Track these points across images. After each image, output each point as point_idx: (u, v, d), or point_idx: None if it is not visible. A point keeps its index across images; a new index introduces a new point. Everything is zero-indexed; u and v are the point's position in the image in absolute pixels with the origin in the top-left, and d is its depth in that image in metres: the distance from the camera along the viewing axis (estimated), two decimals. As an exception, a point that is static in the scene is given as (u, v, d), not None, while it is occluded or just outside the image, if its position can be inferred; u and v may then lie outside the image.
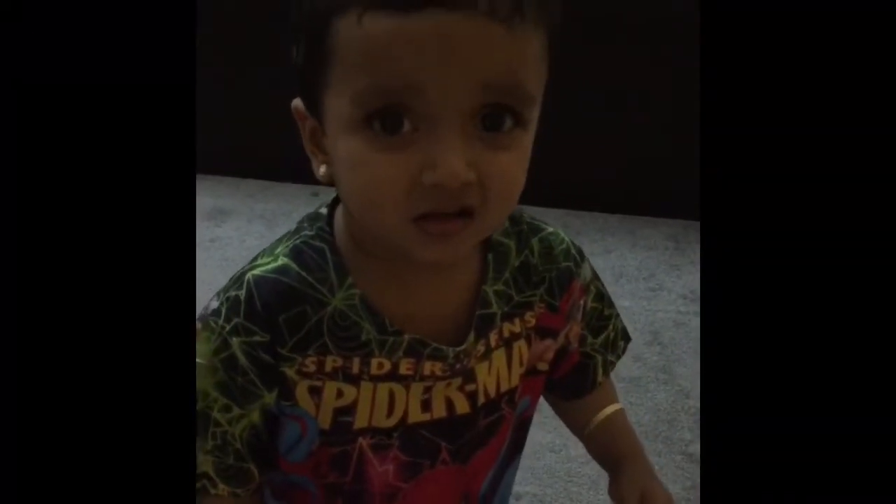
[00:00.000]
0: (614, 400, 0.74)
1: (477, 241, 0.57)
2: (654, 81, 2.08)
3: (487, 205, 0.52)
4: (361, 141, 0.50)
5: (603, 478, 0.72)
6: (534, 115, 0.53)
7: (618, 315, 0.73)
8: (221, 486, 0.59)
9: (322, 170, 0.56)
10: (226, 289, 0.59)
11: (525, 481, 1.41)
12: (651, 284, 1.98)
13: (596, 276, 0.71)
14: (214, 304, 0.59)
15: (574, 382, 0.71)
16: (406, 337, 0.59)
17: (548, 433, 1.42)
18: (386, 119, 0.49)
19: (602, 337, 0.71)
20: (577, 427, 0.74)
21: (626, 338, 0.74)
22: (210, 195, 2.25)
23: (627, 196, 2.20)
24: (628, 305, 1.86)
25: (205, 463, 0.59)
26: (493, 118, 0.50)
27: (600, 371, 0.72)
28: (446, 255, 0.54)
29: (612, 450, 0.72)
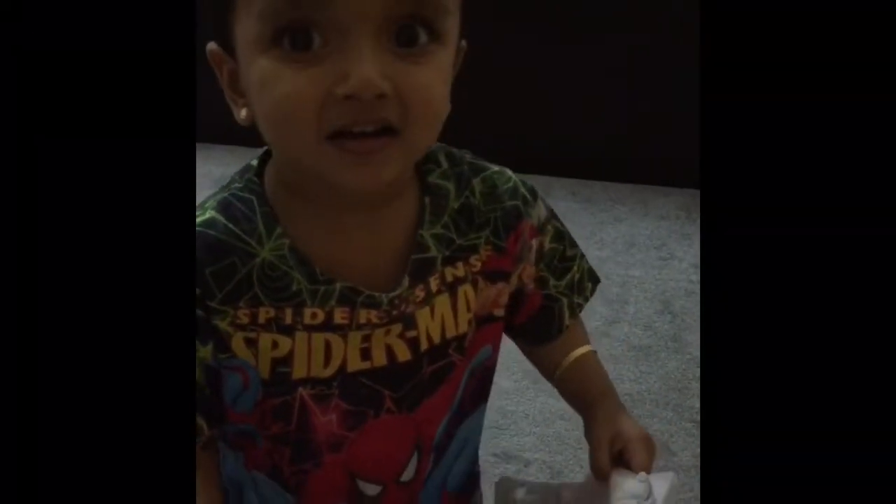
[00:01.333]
0: (585, 342, 0.71)
1: (404, 165, 0.55)
2: (669, 47, 2.05)
3: (408, 121, 0.51)
4: (271, 59, 0.49)
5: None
6: (450, 28, 0.52)
7: (583, 256, 0.70)
8: None
9: (243, 113, 0.55)
10: None
11: (535, 448, 1.42)
12: (662, 254, 1.96)
13: (553, 216, 0.69)
14: None
15: (539, 327, 0.69)
16: (338, 285, 0.58)
17: (558, 400, 1.40)
18: (295, 35, 0.49)
19: (567, 279, 0.69)
20: (548, 372, 0.72)
21: (594, 279, 0.71)
22: (217, 164, 2.27)
23: (639, 165, 2.18)
24: (639, 274, 1.86)
25: None
26: (406, 31, 0.50)
27: (566, 314, 0.69)
28: (370, 178, 0.53)
29: (583, 392, 0.70)
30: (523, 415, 1.44)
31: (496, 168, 0.65)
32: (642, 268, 1.90)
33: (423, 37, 0.50)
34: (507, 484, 0.68)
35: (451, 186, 0.62)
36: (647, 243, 2.01)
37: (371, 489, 0.64)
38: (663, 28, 2.04)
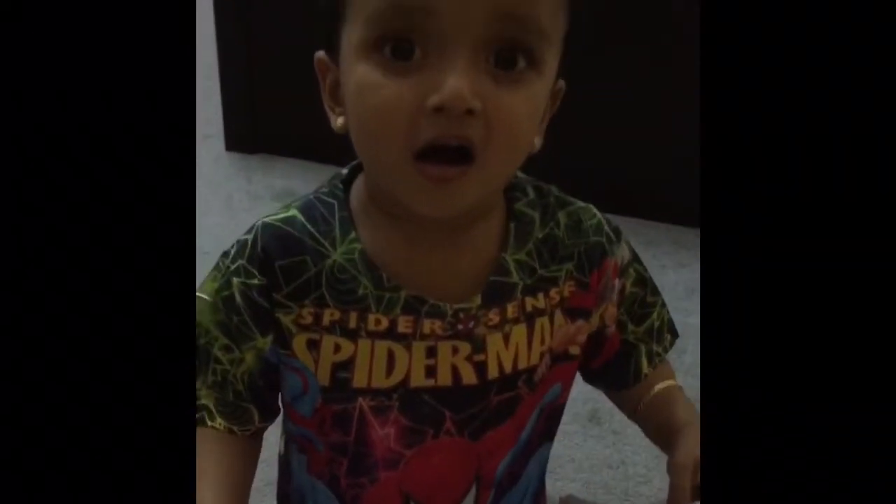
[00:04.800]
0: (669, 377, 0.69)
1: (480, 194, 0.54)
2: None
3: (489, 145, 0.50)
4: (371, 65, 0.49)
5: (662, 499, 0.68)
6: (549, 58, 0.51)
7: (664, 305, 0.69)
8: (219, 420, 0.59)
9: (339, 121, 0.55)
10: (243, 234, 0.60)
11: (580, 493, 1.37)
12: (724, 303, 1.91)
13: (636, 259, 0.67)
14: (229, 248, 0.60)
15: (616, 373, 0.68)
16: (403, 293, 0.58)
17: (606, 447, 1.37)
18: (397, 43, 0.48)
19: (645, 325, 0.67)
20: (630, 409, 0.71)
21: (674, 332, 0.69)
22: (280, 176, 2.29)
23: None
24: (697, 323, 1.80)
25: (206, 396, 0.60)
26: (505, 54, 0.49)
27: (644, 362, 0.68)
28: (444, 205, 0.53)
29: (666, 425, 0.67)
30: (569, 459, 1.40)
31: (582, 204, 0.65)
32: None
33: (521, 62, 0.50)
34: (573, 502, 0.67)
35: (536, 216, 0.62)
36: (709, 291, 1.95)
37: None
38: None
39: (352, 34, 0.51)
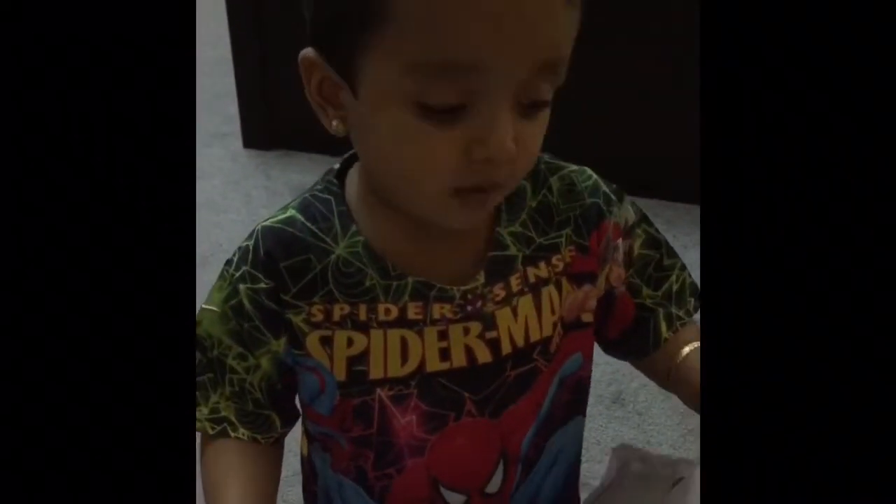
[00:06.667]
0: (697, 340, 0.66)
1: (501, 199, 0.57)
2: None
3: (514, 175, 0.53)
4: (412, 115, 0.48)
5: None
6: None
7: (684, 268, 0.67)
8: (242, 430, 0.60)
9: (335, 124, 0.54)
10: (243, 241, 0.60)
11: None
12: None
13: (646, 220, 0.66)
14: (231, 256, 0.60)
15: (636, 340, 0.67)
16: (410, 280, 0.58)
17: (631, 429, 1.36)
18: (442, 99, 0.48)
19: (663, 288, 0.66)
20: (662, 378, 0.68)
21: (697, 296, 0.67)
22: (297, 171, 2.30)
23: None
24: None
25: (226, 409, 0.60)
26: (535, 96, 0.49)
27: (663, 326, 0.66)
28: (471, 221, 0.55)
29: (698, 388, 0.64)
30: (595, 441, 1.40)
31: (575, 167, 0.64)
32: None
33: (547, 95, 0.51)
34: (625, 453, 0.66)
35: (528, 185, 0.62)
36: (730, 270, 1.94)
37: (455, 499, 0.63)
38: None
39: (385, 73, 0.48)
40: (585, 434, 1.52)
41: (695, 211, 2.15)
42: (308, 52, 0.53)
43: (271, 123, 2.40)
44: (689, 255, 2.11)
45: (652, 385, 1.91)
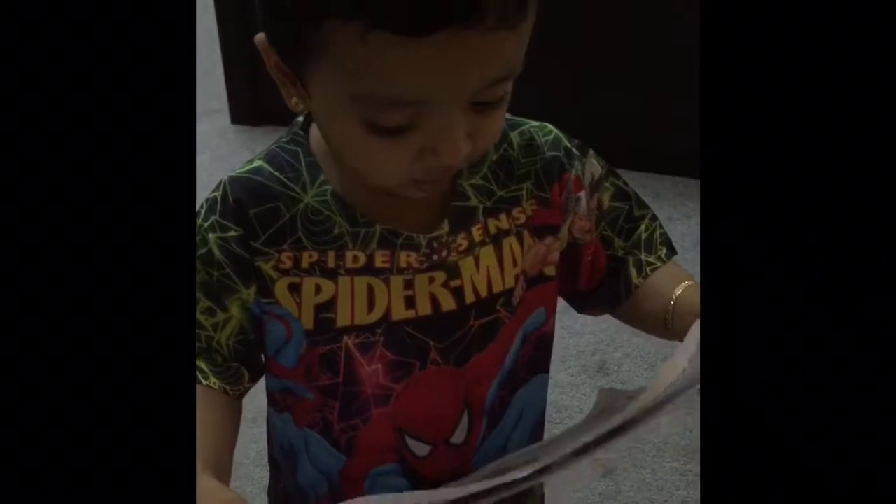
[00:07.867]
0: (684, 279, 0.65)
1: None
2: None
3: (473, 157, 0.54)
4: (363, 129, 0.50)
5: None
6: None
7: (655, 218, 0.68)
8: (213, 378, 0.59)
9: (294, 101, 0.56)
10: (210, 192, 0.61)
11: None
12: (730, 252, 1.92)
13: (613, 174, 0.68)
14: (198, 208, 0.60)
15: (608, 291, 0.68)
16: (378, 227, 0.59)
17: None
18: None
19: (633, 238, 0.67)
20: (660, 328, 0.65)
21: (670, 247, 0.68)
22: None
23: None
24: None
25: (197, 360, 0.60)
26: (490, 94, 0.50)
27: (633, 272, 0.66)
28: (435, 192, 0.57)
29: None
30: (578, 409, 1.42)
31: (536, 123, 0.66)
32: (709, 266, 1.86)
33: (502, 93, 0.51)
34: (610, 395, 0.63)
35: None
36: (715, 241, 1.96)
37: (421, 449, 0.64)
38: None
39: (331, 80, 0.49)
40: (569, 402, 1.54)
41: (680, 183, 2.17)
42: (261, 37, 0.54)
43: (259, 99, 2.40)
44: (675, 227, 2.14)
45: (636, 354, 1.95)
